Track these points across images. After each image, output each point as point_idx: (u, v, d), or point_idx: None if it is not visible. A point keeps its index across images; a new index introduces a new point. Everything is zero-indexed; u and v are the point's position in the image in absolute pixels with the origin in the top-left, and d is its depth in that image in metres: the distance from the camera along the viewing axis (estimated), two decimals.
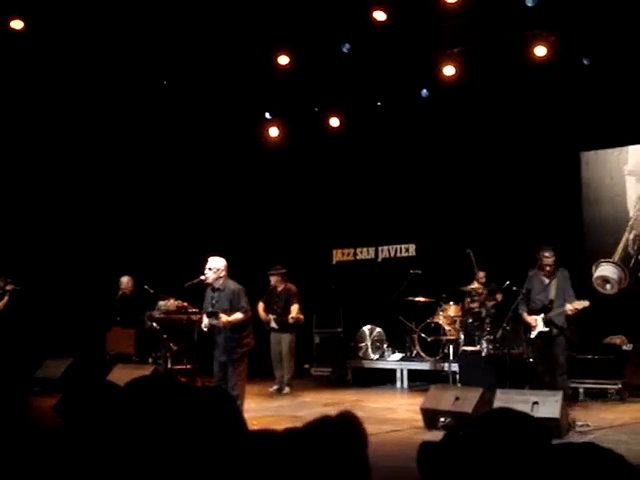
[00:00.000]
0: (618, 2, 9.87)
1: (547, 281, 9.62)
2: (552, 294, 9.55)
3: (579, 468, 1.43)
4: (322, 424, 1.62)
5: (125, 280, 12.83)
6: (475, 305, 12.01)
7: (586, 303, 9.38)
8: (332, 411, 1.95)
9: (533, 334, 9.60)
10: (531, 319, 9.59)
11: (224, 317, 8.74)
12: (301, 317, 12.47)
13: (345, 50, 10.92)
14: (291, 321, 12.28)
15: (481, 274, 12.05)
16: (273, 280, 12.47)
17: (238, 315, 8.79)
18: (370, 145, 14.44)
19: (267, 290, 12.56)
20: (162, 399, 2.48)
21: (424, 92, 12.39)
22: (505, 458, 1.67)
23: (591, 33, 10.48)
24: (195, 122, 13.54)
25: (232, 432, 2.19)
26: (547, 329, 9.47)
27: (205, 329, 9.00)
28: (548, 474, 1.44)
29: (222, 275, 8.90)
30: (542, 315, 9.51)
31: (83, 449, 2.36)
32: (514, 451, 1.67)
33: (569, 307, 9.35)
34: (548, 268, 9.53)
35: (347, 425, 1.65)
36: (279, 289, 12.46)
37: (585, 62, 10.96)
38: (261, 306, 12.35)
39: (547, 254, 9.52)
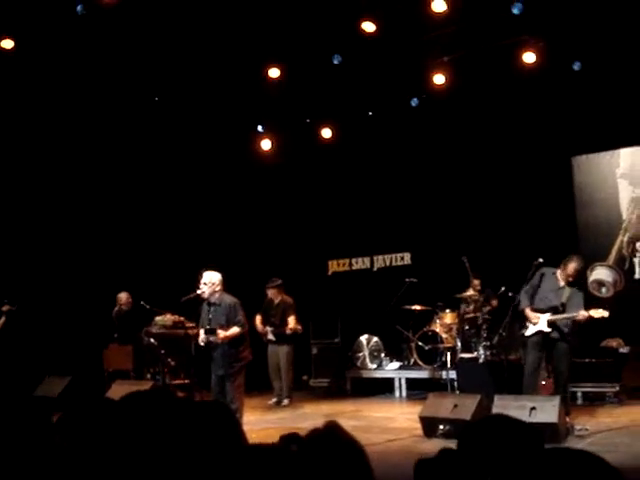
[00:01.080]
0: (605, 7, 9.93)
1: (562, 284, 9.22)
2: (564, 298, 9.15)
3: (561, 475, 1.46)
4: (314, 436, 1.64)
5: (123, 296, 12.81)
6: (471, 312, 12.03)
7: (605, 313, 8.90)
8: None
9: (530, 331, 9.17)
10: (533, 315, 9.14)
11: (222, 333, 8.77)
12: (299, 327, 12.49)
13: (336, 62, 10.96)
14: (289, 332, 12.29)
15: (476, 281, 12.08)
16: (270, 293, 12.48)
17: (235, 329, 8.82)
18: (363, 155, 14.48)
19: (264, 303, 12.57)
20: (162, 414, 2.49)
21: (414, 101, 12.45)
22: (499, 465, 1.70)
23: (579, 38, 10.55)
24: (188, 137, 13.56)
25: (232, 446, 2.21)
26: (549, 330, 9.03)
27: (202, 344, 9.02)
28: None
29: (218, 289, 8.92)
30: (548, 315, 9.07)
31: (84, 466, 2.37)
32: (508, 457, 1.70)
33: (583, 313, 8.89)
34: (571, 279, 9.17)
35: (336, 434, 1.67)
36: (276, 301, 12.48)
37: (575, 68, 11.01)
38: (258, 319, 12.36)
39: (576, 266, 9.17)
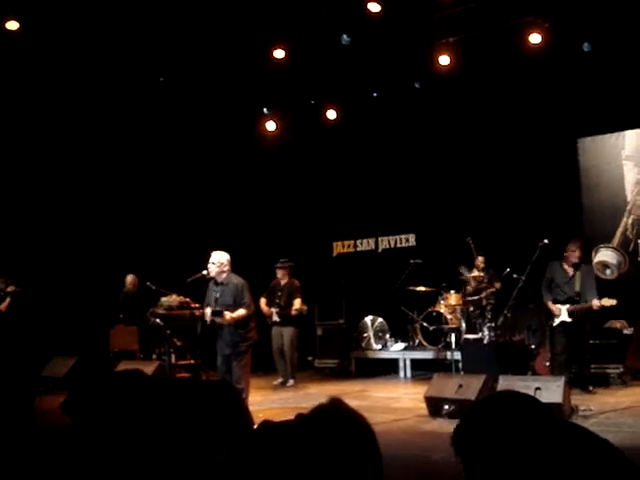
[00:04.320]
0: None
1: (571, 273, 10.09)
2: (577, 286, 10.03)
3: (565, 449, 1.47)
4: (319, 413, 1.65)
5: (130, 278, 12.88)
6: (475, 293, 12.03)
7: (613, 302, 9.81)
8: None
9: (556, 322, 10.01)
10: (555, 307, 10.02)
11: (228, 315, 8.78)
12: (304, 308, 12.50)
13: (344, 42, 10.92)
14: (294, 313, 12.29)
15: (480, 259, 12.04)
16: (280, 273, 12.47)
17: (242, 311, 8.83)
18: (368, 136, 14.45)
19: (269, 284, 12.58)
20: (168, 394, 2.51)
21: (417, 83, 12.44)
22: (509, 440, 1.71)
23: (585, 19, 10.50)
24: (193, 119, 13.55)
25: (238, 426, 2.23)
26: (570, 319, 9.91)
27: (208, 321, 9.05)
28: (548, 456, 1.48)
29: (225, 269, 8.94)
30: (567, 306, 9.95)
31: (90, 446, 2.40)
32: (518, 432, 1.72)
33: (596, 303, 9.78)
34: (573, 259, 10.04)
35: (342, 410, 1.68)
36: (282, 283, 12.49)
37: (585, 49, 10.96)
38: (263, 301, 12.37)
39: (572, 247, 10.03)
